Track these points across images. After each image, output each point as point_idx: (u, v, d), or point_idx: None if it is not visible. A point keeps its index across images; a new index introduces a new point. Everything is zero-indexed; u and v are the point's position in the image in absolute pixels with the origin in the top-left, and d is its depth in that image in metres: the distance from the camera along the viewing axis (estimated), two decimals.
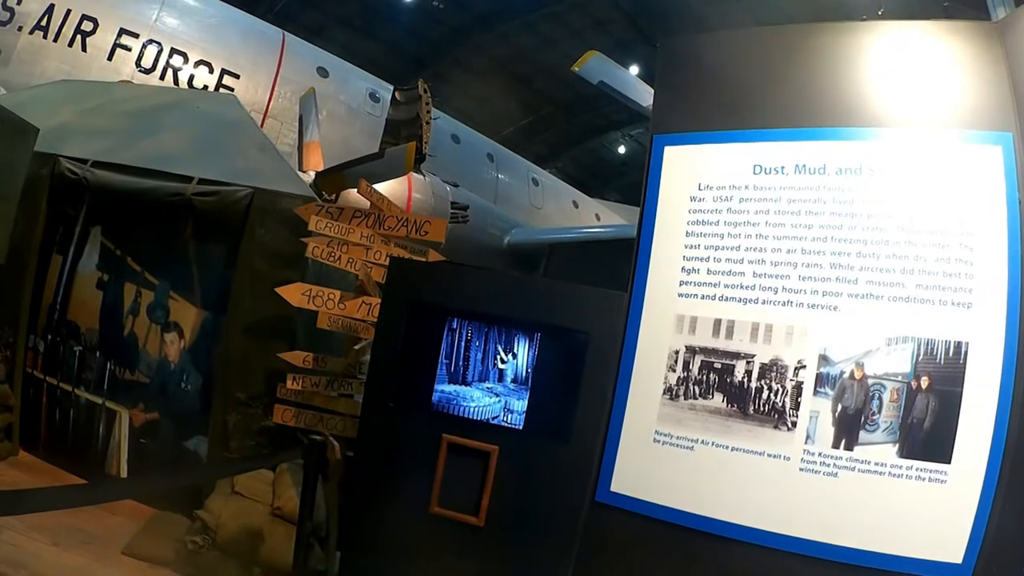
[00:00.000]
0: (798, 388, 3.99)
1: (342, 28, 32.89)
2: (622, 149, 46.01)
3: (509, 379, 4.73)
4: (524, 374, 4.71)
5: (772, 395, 4.03)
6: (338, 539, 5.30)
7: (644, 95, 18.20)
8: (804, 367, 4.00)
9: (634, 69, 24.76)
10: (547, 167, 35.94)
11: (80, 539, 6.47)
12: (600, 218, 29.13)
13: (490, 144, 25.99)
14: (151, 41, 16.67)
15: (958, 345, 3.76)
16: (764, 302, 4.14)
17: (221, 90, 17.04)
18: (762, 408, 4.06)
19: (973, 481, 3.64)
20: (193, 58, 17.26)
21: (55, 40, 15.49)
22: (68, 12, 15.63)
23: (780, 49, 4.62)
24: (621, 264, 4.71)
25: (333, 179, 13.12)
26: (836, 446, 3.90)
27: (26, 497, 3.66)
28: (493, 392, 4.75)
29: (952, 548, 3.63)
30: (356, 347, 6.99)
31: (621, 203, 32.98)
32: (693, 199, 4.47)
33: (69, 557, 6.20)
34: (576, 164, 46.54)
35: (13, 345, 8.01)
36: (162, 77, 16.75)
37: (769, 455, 4.00)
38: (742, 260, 4.23)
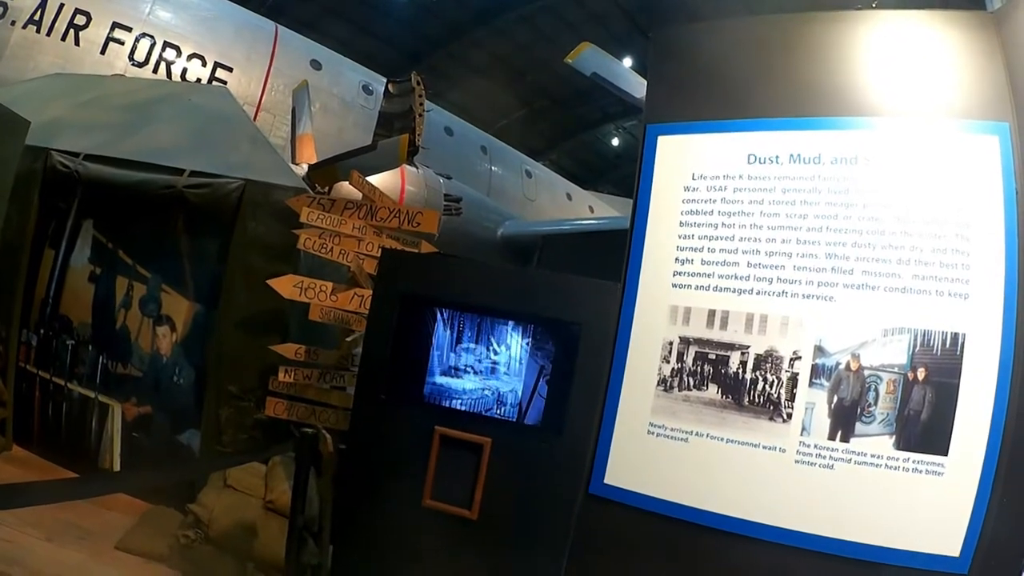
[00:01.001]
0: (793, 379, 3.98)
1: (336, 21, 32.86)
2: (616, 142, 45.99)
3: (502, 371, 4.72)
4: (517, 366, 4.69)
5: (767, 386, 4.02)
6: (331, 532, 5.28)
7: (637, 87, 18.18)
8: (799, 358, 3.99)
9: (629, 62, 24.71)
10: (541, 160, 35.94)
11: (74, 534, 6.46)
12: (594, 210, 29.12)
13: (484, 136, 25.97)
14: (144, 35, 16.61)
15: (955, 336, 3.75)
16: (759, 292, 4.12)
17: (214, 83, 17.02)
18: (757, 400, 4.04)
19: (970, 473, 3.64)
20: (186, 51, 17.22)
21: (48, 34, 15.45)
22: (61, 6, 15.60)
23: (774, 38, 4.60)
24: (615, 256, 4.69)
25: (326, 172, 13.15)
26: (832, 438, 3.88)
27: (18, 491, 3.64)
28: (486, 384, 4.74)
29: (949, 540, 3.62)
30: (348, 339, 6.98)
31: (615, 195, 32.98)
32: (687, 189, 4.46)
33: (63, 552, 6.19)
34: (570, 157, 46.54)
35: (6, 339, 8.00)
36: (155, 70, 16.71)
37: (764, 447, 3.99)
38: (736, 250, 4.21)
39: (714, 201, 4.35)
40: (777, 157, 4.26)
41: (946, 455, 3.68)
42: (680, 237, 4.39)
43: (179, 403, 7.69)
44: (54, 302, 8.23)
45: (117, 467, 7.79)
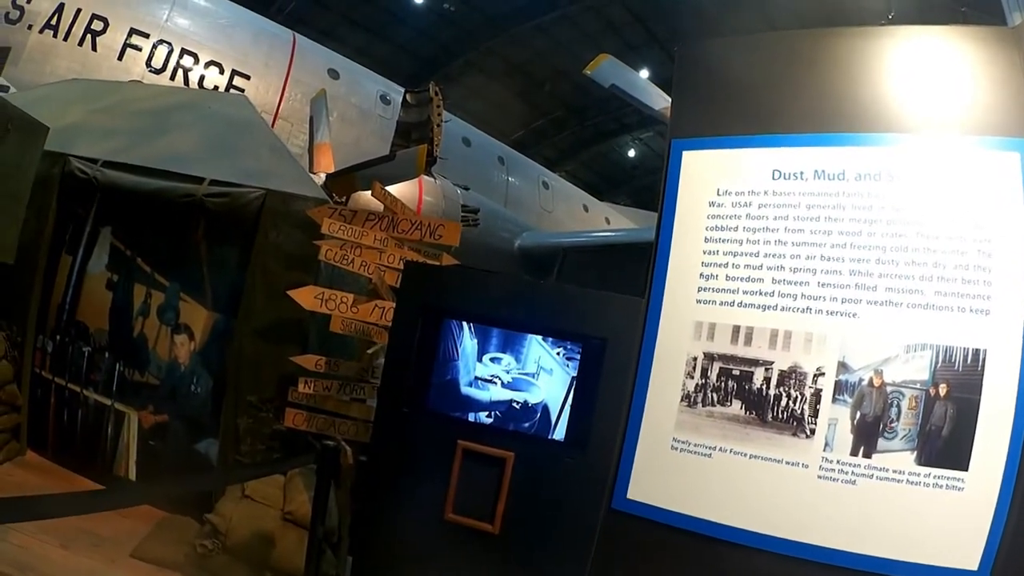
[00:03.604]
0: (817, 395, 3.97)
1: (353, 30, 32.92)
2: (632, 153, 45.89)
3: (525, 385, 4.71)
4: (546, 379, 4.69)
5: (791, 402, 4.01)
6: (350, 544, 5.28)
7: (656, 99, 18.10)
8: (823, 374, 3.98)
9: (644, 72, 24.66)
10: (557, 170, 35.88)
11: (89, 541, 6.46)
12: (610, 222, 29.09)
13: (500, 147, 26.04)
14: (161, 41, 16.73)
15: (976, 352, 3.74)
16: (783, 309, 4.11)
17: (232, 91, 17.05)
18: (781, 415, 4.03)
19: (990, 488, 3.62)
20: (204, 59, 17.31)
21: (65, 39, 15.54)
22: (78, 11, 15.68)
23: (798, 54, 4.59)
24: (633, 268, 4.69)
25: (344, 181, 13.12)
26: (855, 454, 3.87)
27: (33, 504, 3.65)
28: (509, 398, 4.73)
29: (968, 555, 3.61)
30: (369, 351, 6.97)
31: (631, 207, 32.93)
32: (712, 204, 4.45)
33: (78, 560, 6.19)
34: (586, 168, 46.50)
35: (21, 345, 8.01)
36: (172, 77, 16.80)
37: (787, 463, 3.98)
38: (761, 266, 4.20)
39: (739, 217, 4.34)
40: (802, 173, 4.25)
41: (966, 470, 3.67)
42: (705, 253, 4.38)
43: (196, 412, 7.71)
44: (71, 308, 8.26)
45: (133, 475, 7.81)
